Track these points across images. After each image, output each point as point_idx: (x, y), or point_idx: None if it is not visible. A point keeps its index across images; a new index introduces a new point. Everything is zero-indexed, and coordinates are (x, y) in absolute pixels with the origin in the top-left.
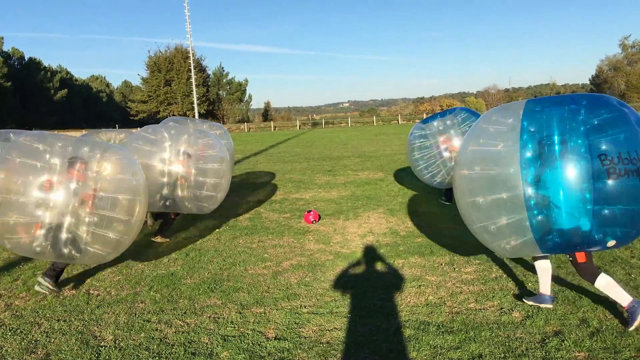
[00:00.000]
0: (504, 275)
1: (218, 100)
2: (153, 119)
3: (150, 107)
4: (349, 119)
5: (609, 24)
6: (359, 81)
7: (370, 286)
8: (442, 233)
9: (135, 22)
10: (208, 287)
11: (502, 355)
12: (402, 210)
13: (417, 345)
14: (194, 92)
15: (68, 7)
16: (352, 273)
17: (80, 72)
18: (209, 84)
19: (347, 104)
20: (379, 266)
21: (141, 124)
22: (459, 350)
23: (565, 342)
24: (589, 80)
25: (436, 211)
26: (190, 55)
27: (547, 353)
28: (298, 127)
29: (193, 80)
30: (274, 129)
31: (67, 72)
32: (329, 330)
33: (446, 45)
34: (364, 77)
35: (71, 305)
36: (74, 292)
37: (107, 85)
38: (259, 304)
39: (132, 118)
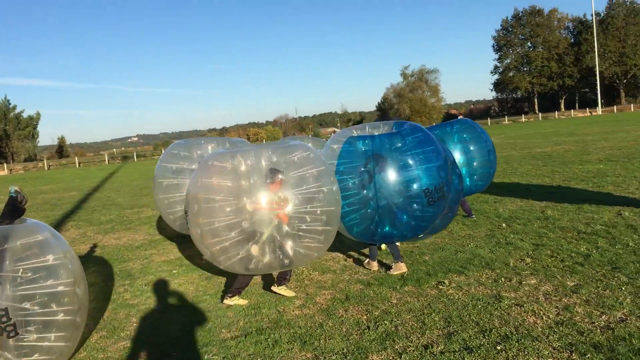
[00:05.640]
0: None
1: (6, 136)
2: None
3: None
4: (163, 151)
5: (392, 53)
6: (147, 114)
7: None
8: None
9: None
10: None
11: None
12: None
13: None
14: None
15: None
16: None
17: None
18: None
19: (136, 138)
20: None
21: None
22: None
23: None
24: (376, 106)
25: None
26: None
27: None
28: (107, 161)
29: None
30: (79, 165)
31: None
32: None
33: (233, 77)
34: (152, 110)
35: None
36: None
37: None
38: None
39: None
